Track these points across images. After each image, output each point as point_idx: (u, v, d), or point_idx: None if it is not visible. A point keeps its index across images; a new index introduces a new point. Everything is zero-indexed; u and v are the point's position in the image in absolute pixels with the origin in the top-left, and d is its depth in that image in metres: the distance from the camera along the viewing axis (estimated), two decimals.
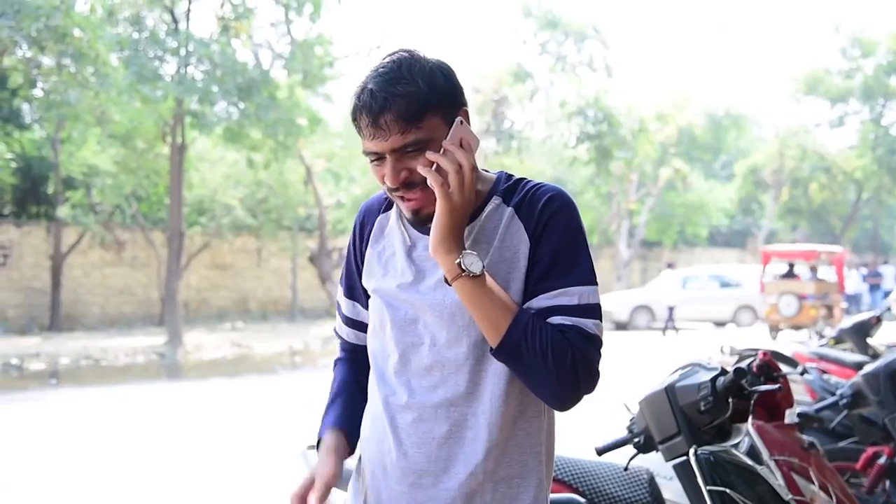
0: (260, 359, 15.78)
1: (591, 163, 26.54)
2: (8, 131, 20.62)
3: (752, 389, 2.40)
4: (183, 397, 10.98)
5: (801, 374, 3.05)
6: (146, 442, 7.92)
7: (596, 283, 1.63)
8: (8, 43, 13.78)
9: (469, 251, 1.56)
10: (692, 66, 70.94)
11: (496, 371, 1.62)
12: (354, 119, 1.60)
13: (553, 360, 1.53)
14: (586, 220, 32.58)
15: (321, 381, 11.20)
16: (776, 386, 2.47)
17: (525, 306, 1.60)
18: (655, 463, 3.19)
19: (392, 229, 1.76)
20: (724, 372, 2.40)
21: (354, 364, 1.94)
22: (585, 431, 3.43)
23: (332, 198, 24.99)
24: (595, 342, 1.59)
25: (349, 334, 1.95)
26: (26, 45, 14.40)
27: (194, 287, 23.00)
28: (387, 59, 1.61)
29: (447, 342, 1.64)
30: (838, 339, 6.54)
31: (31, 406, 10.11)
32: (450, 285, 1.57)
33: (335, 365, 1.99)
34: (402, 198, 1.62)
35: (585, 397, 1.61)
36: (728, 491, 2.31)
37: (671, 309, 20.84)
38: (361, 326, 1.89)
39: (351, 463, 2.76)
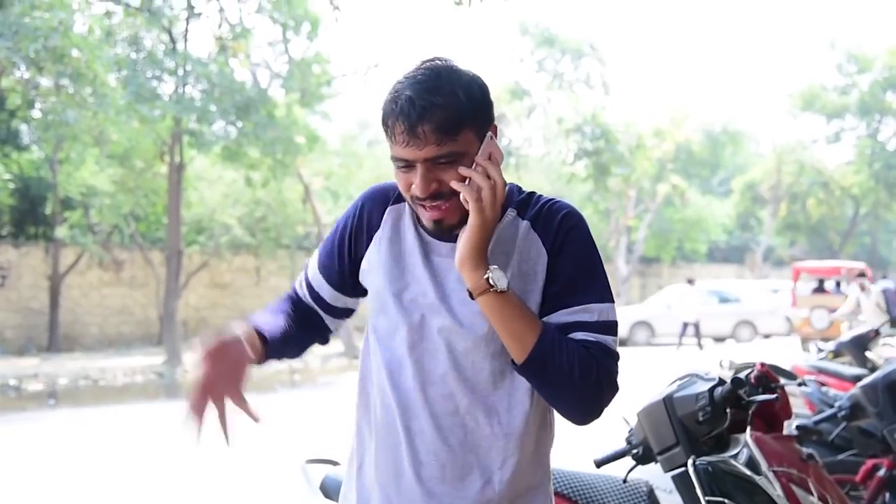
0: (259, 377, 15.74)
1: (589, 179, 26.59)
2: (6, 152, 20.65)
3: (749, 399, 2.40)
4: (182, 416, 10.91)
5: (800, 385, 3.04)
6: (145, 461, 7.89)
7: (613, 301, 1.65)
8: (6, 64, 13.82)
9: (495, 266, 1.56)
10: (689, 83, 71.27)
11: (514, 383, 1.63)
12: (387, 124, 1.57)
13: (579, 375, 1.55)
14: None
15: (321, 399, 11.14)
16: (773, 396, 2.47)
17: (544, 321, 1.60)
18: (654, 476, 3.19)
19: (406, 227, 1.72)
20: (721, 382, 2.40)
21: (298, 311, 1.90)
22: (584, 445, 3.42)
23: (330, 216, 25.00)
24: (615, 358, 1.61)
25: (306, 296, 1.92)
26: (24, 66, 14.44)
27: (193, 306, 22.97)
28: (424, 67, 1.59)
29: (465, 351, 1.63)
30: (837, 353, 6.54)
31: (30, 427, 10.07)
32: (473, 299, 1.57)
33: (284, 296, 1.95)
34: (424, 206, 1.60)
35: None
36: (727, 501, 2.31)
37: (690, 325, 20.90)
38: (322, 303, 1.88)
39: (339, 472, 2.75)
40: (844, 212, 36.54)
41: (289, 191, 22.70)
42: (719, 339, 23.92)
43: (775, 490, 2.49)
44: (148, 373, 16.15)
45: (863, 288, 13.01)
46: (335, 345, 19.60)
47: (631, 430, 2.66)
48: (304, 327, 1.88)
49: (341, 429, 5.20)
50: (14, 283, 19.98)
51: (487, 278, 1.53)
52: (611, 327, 1.62)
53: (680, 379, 2.57)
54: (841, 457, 4.04)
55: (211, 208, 22.26)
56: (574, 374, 1.55)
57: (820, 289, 21.03)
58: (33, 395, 13.44)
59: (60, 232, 19.84)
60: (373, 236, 1.76)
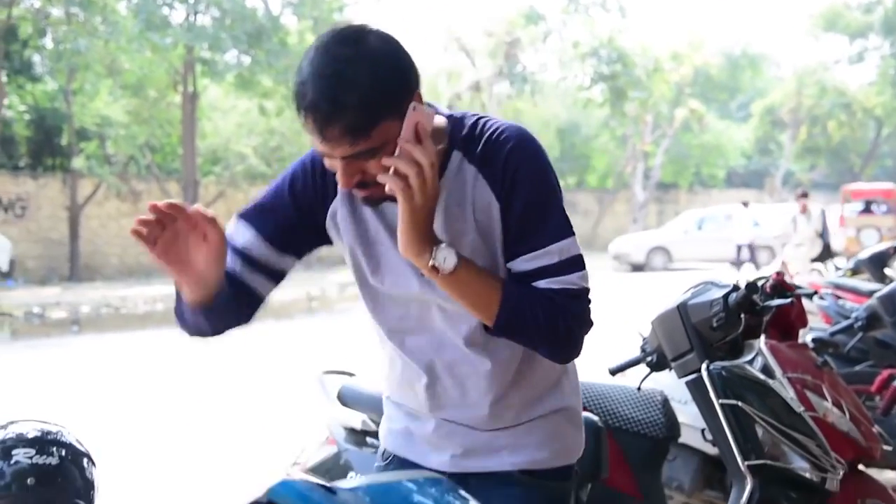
0: (277, 305, 15.85)
1: (606, 104, 26.32)
2: (20, 83, 20.59)
3: (764, 305, 2.40)
4: (202, 342, 11.06)
5: (815, 293, 3.04)
6: (167, 384, 8.03)
7: (573, 233, 1.57)
8: None
9: (442, 245, 1.47)
10: (708, 5, 69.83)
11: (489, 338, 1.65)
12: (300, 115, 1.44)
13: (548, 327, 1.52)
14: (601, 164, 32.50)
15: (338, 326, 11.23)
16: (789, 300, 2.47)
17: (506, 275, 1.57)
18: (669, 386, 3.21)
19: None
20: (736, 288, 2.40)
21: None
22: (598, 357, 3.44)
23: None
24: (582, 297, 1.56)
25: (232, 260, 1.65)
26: None
27: None
28: (325, 51, 1.43)
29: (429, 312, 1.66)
30: (856, 270, 6.53)
31: (55, 352, 10.25)
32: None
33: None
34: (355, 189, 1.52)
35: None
36: (740, 404, 2.32)
37: (745, 247, 20.90)
38: (254, 264, 1.67)
39: (355, 382, 2.78)
40: (866, 134, 36.09)
41: None
42: (737, 264, 23.87)
43: (789, 393, 2.51)
44: (168, 301, 16.30)
45: (804, 209, 11.91)
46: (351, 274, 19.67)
47: (645, 338, 2.67)
48: (234, 298, 1.68)
49: (359, 351, 5.28)
50: (33, 214, 20.11)
51: (432, 264, 1.47)
52: (574, 263, 1.56)
53: (694, 286, 2.56)
54: (857, 368, 4.05)
55: (225, 138, 22.23)
56: (543, 327, 1.52)
57: (867, 210, 22.27)
58: (57, 322, 13.64)
59: (77, 163, 19.89)
60: (328, 203, 1.65)
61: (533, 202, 1.54)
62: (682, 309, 2.48)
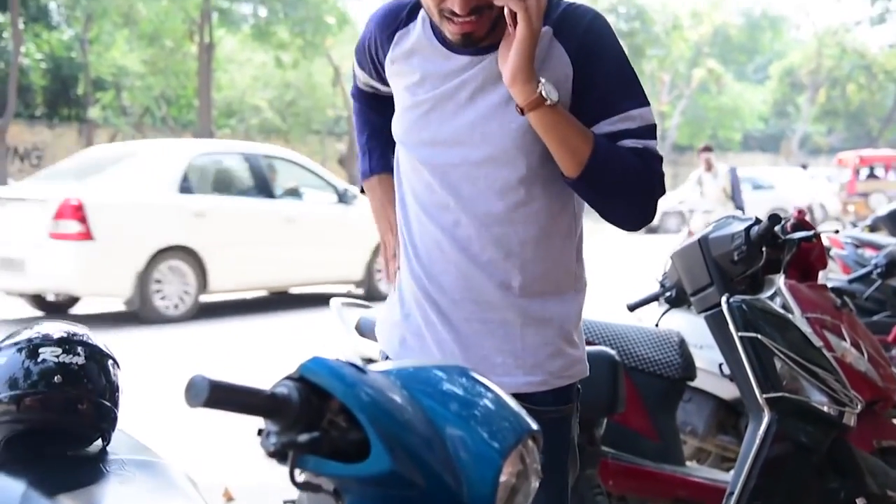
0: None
1: None
2: (37, 31, 20.54)
3: (786, 238, 2.38)
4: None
5: (836, 232, 3.02)
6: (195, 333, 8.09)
7: (649, 103, 1.62)
8: None
9: (543, 80, 1.50)
10: None
11: (532, 193, 1.62)
12: None
13: (634, 178, 1.56)
14: None
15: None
16: (811, 233, 2.45)
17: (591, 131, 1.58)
18: (685, 330, 3.21)
19: (421, 46, 1.65)
20: (758, 221, 2.38)
21: (375, 102, 1.90)
22: (615, 299, 3.44)
23: None
24: (661, 160, 1.62)
25: (366, 87, 1.89)
26: None
27: None
28: None
29: (493, 161, 1.60)
30: (873, 228, 6.49)
31: None
32: (523, 115, 1.52)
33: (356, 97, 1.95)
34: (453, 21, 1.52)
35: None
36: (760, 337, 2.31)
37: (803, 209, 20.98)
38: (376, 89, 1.85)
39: (372, 313, 2.79)
40: (885, 97, 35.66)
41: (318, 73, 22.50)
42: None
43: (808, 330, 2.50)
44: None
45: (709, 166, 10.55)
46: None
47: (664, 273, 2.66)
48: (387, 104, 1.85)
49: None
50: (49, 163, 20.11)
51: (540, 92, 1.49)
52: (653, 130, 1.60)
53: (716, 221, 2.55)
54: (874, 318, 4.04)
55: (241, 91, 22.19)
56: (629, 181, 1.55)
57: (873, 175, 22.76)
58: None
59: (93, 113, 19.90)
60: (386, 57, 1.71)
61: (614, 69, 1.59)
62: (703, 242, 2.47)
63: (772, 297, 2.78)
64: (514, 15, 1.49)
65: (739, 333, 2.33)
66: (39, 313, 8.53)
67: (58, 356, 1.57)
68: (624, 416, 2.83)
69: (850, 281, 3.71)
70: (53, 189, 8.10)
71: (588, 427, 2.59)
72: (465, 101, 1.60)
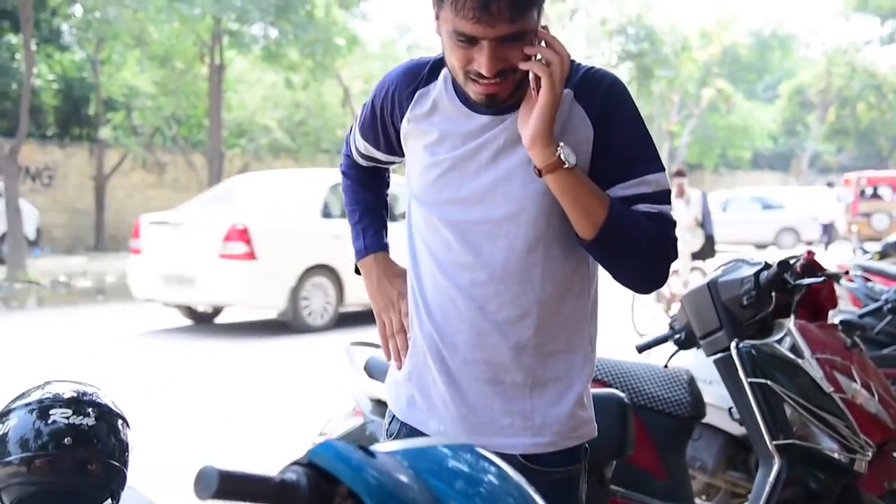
0: None
1: (633, 82, 26.09)
2: (49, 52, 20.70)
3: (795, 283, 2.38)
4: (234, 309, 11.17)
5: (846, 273, 3.01)
6: (192, 353, 8.10)
7: (664, 168, 1.64)
8: None
9: (562, 143, 1.53)
10: None
11: (550, 253, 1.63)
12: None
13: (648, 243, 1.57)
14: None
15: None
16: (821, 279, 2.45)
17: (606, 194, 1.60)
18: (695, 366, 3.20)
19: (442, 105, 1.66)
20: (767, 266, 2.38)
21: (368, 178, 1.95)
22: (625, 336, 3.44)
23: None
24: (675, 225, 1.63)
25: (360, 158, 1.92)
26: None
27: None
28: None
29: (514, 219, 1.61)
30: (884, 254, 6.47)
31: (81, 319, 10.35)
32: (540, 177, 1.54)
33: (347, 174, 1.97)
34: (478, 82, 1.54)
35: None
36: (769, 383, 2.31)
37: (826, 226, 21.37)
38: (376, 160, 1.90)
39: (382, 354, 2.79)
40: (895, 116, 35.60)
41: (328, 94, 22.60)
42: (761, 247, 23.75)
43: (818, 374, 2.50)
44: None
45: (681, 192, 9.73)
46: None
47: (674, 315, 2.66)
48: (380, 180, 1.96)
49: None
50: (60, 183, 20.26)
51: (559, 155, 1.51)
52: (667, 195, 1.62)
53: (724, 264, 2.55)
54: (885, 351, 4.02)
55: (251, 111, 22.28)
56: (643, 245, 1.57)
57: (876, 195, 22.90)
58: (82, 291, 13.77)
59: (104, 133, 20.00)
60: (403, 117, 1.71)
61: (632, 134, 1.62)
62: (713, 286, 2.47)
63: (781, 339, 2.77)
64: (537, 79, 1.52)
65: (749, 380, 2.33)
66: (189, 322, 9.98)
67: (68, 417, 1.58)
68: (633, 455, 2.82)
69: (861, 316, 3.69)
70: (217, 215, 9.49)
71: (597, 468, 2.58)
72: (486, 161, 1.62)
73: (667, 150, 30.29)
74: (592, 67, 1.65)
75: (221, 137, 18.06)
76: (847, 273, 3.58)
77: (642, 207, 1.59)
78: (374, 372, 2.79)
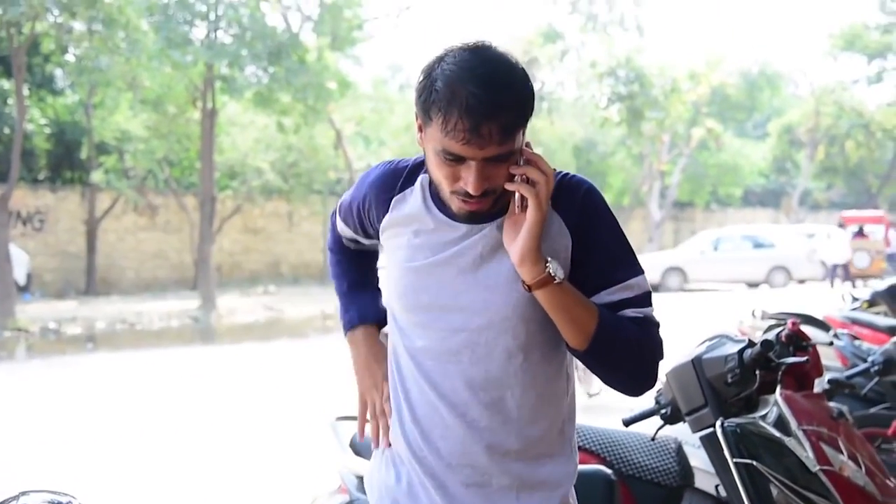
0: (292, 322, 15.93)
1: (623, 123, 26.28)
2: (41, 97, 20.78)
3: (779, 362, 2.38)
4: (216, 361, 11.12)
5: (830, 344, 3.02)
6: (180, 406, 8.04)
7: (644, 270, 1.66)
8: (39, 9, 13.84)
9: (549, 258, 1.54)
10: (726, 24, 69.68)
11: (531, 359, 1.63)
12: (440, 115, 1.48)
13: (638, 349, 1.59)
14: (617, 182, 32.49)
15: None
16: (804, 359, 2.45)
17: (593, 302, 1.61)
18: (683, 431, 3.19)
19: (419, 212, 1.67)
20: (751, 344, 2.38)
21: (355, 255, 1.96)
22: (612, 404, 3.43)
23: (361, 161, 25.00)
24: (659, 327, 1.65)
25: (348, 242, 1.94)
26: (57, 11, 14.47)
27: (227, 251, 23.18)
28: (479, 56, 1.52)
29: (494, 327, 1.61)
30: (872, 302, 6.47)
31: (69, 370, 10.28)
32: (529, 291, 1.55)
33: (334, 250, 1.98)
34: (462, 199, 1.55)
35: None
36: (755, 463, 2.30)
37: (839, 266, 22.18)
38: (360, 244, 1.92)
39: (367, 429, 2.77)
40: (884, 154, 35.82)
41: (320, 136, 22.68)
42: (753, 285, 23.76)
43: (804, 451, 2.49)
44: (183, 317, 16.38)
45: None
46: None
47: (659, 389, 2.65)
48: (368, 260, 1.97)
49: None
50: (52, 227, 20.25)
51: (548, 271, 1.53)
52: (649, 297, 1.65)
53: (709, 339, 2.55)
54: (873, 410, 4.01)
55: (243, 153, 22.33)
56: (633, 351, 1.58)
57: (860, 233, 23.61)
58: (72, 338, 13.70)
59: (96, 176, 20.03)
60: (381, 221, 1.73)
61: (613, 240, 1.63)
62: (697, 363, 2.47)
63: (767, 412, 2.77)
64: (523, 197, 1.54)
65: (735, 460, 2.32)
66: None
67: None
68: None
69: (849, 377, 3.69)
70: None
71: None
72: (465, 267, 1.62)
73: (658, 188, 30.42)
74: (567, 174, 1.66)
75: (213, 180, 18.07)
76: (836, 335, 3.59)
77: (629, 313, 1.60)
78: (360, 448, 2.77)
